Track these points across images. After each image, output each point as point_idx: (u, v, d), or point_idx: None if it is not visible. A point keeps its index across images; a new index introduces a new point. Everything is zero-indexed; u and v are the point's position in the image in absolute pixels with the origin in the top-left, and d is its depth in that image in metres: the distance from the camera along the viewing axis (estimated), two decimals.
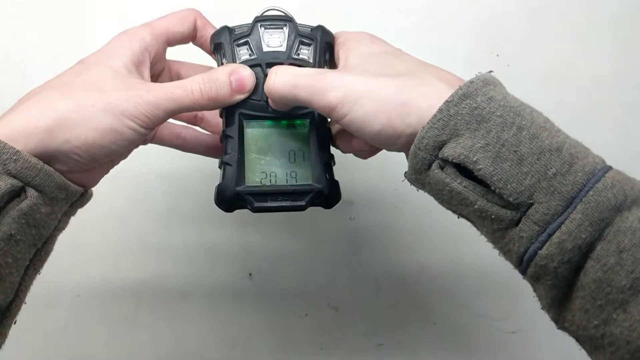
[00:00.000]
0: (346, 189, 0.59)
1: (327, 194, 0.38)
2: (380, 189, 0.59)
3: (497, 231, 0.31)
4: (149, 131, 0.35)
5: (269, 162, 0.39)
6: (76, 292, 0.57)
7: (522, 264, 0.31)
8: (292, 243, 0.59)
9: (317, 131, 0.39)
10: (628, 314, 0.28)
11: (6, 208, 0.32)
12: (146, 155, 0.53)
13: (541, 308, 0.33)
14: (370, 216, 0.59)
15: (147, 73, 0.38)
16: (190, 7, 0.41)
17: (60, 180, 0.34)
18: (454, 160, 0.30)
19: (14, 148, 0.31)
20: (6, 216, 0.31)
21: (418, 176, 0.33)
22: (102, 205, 0.56)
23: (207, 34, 0.40)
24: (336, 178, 0.40)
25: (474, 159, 0.30)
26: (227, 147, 0.38)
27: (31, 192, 0.32)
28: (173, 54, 0.43)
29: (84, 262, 0.57)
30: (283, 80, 0.35)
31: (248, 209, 0.38)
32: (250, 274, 0.58)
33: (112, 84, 0.35)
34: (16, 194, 0.32)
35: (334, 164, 0.40)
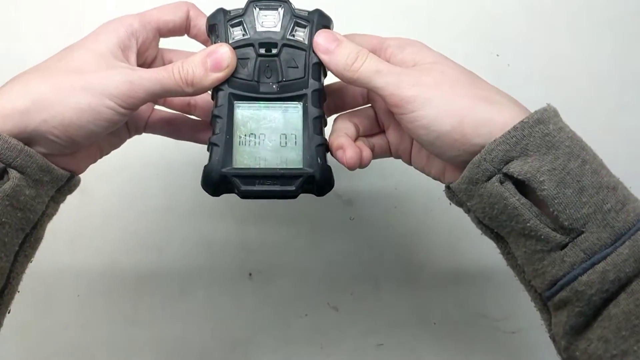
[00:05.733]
0: (346, 188, 0.59)
1: (319, 179, 0.37)
2: (380, 189, 0.59)
3: (539, 252, 0.33)
4: (129, 112, 0.35)
5: (258, 144, 0.38)
6: (76, 291, 0.57)
7: (553, 286, 0.32)
8: (292, 243, 0.59)
9: (310, 114, 0.38)
10: None
11: None
12: (144, 153, 0.54)
13: (549, 336, 0.35)
14: (370, 216, 0.59)
15: (133, 58, 0.37)
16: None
17: (43, 161, 0.34)
18: (520, 177, 0.32)
19: None
20: None
21: (471, 186, 0.34)
22: (101, 204, 0.56)
23: (200, 23, 0.40)
24: (335, 174, 0.39)
25: (541, 179, 0.31)
26: (215, 128, 0.37)
27: (13, 174, 0.32)
28: (170, 47, 0.43)
29: (83, 261, 0.57)
30: (368, 62, 0.35)
31: (235, 193, 0.37)
32: (250, 274, 0.58)
33: (94, 66, 0.34)
34: None
35: (328, 150, 0.39)
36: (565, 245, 0.32)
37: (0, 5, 0.58)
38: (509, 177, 0.33)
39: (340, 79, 0.38)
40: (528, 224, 0.32)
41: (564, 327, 0.32)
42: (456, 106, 0.33)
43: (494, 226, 0.35)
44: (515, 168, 0.32)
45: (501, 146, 0.32)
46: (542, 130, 0.32)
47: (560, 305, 0.33)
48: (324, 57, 0.37)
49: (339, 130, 0.40)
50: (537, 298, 0.35)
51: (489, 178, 0.33)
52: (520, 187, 0.33)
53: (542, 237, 0.32)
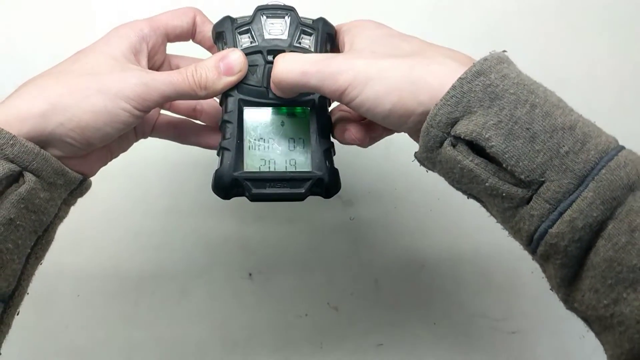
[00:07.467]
0: (346, 188, 0.59)
1: (327, 181, 0.38)
2: (380, 189, 0.59)
3: (508, 210, 0.31)
4: (143, 114, 0.35)
5: (268, 148, 0.39)
6: (76, 291, 0.57)
7: (532, 242, 0.31)
8: (292, 243, 0.59)
9: (317, 118, 0.39)
10: (639, 293, 0.28)
11: (5, 193, 0.32)
12: (146, 154, 0.54)
13: (550, 289, 0.33)
14: (370, 216, 0.59)
15: (144, 62, 0.38)
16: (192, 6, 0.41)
17: (58, 165, 0.34)
18: (466, 138, 0.30)
19: (10, 133, 0.32)
20: (5, 201, 0.32)
21: (429, 154, 0.33)
22: (102, 204, 0.56)
23: (206, 29, 0.41)
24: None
25: (487, 136, 0.29)
26: (225, 133, 0.38)
27: (29, 177, 0.33)
28: (175, 52, 0.43)
29: (83, 261, 0.57)
30: (291, 68, 0.35)
31: (246, 196, 0.38)
32: (250, 274, 0.58)
33: (108, 68, 0.35)
34: (14, 179, 0.33)
35: (334, 153, 0.40)
36: (530, 199, 0.30)
37: (1, 5, 0.58)
38: (460, 139, 0.31)
39: (282, 93, 0.37)
40: (487, 184, 0.30)
41: (555, 279, 0.31)
42: (391, 83, 0.32)
43: (465, 189, 0.33)
44: (462, 129, 0.30)
45: (443, 109, 0.30)
46: (482, 82, 0.30)
47: (544, 259, 0.31)
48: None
49: (336, 120, 0.40)
50: (528, 252, 0.33)
51: (441, 143, 0.32)
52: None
53: (504, 194, 0.30)
